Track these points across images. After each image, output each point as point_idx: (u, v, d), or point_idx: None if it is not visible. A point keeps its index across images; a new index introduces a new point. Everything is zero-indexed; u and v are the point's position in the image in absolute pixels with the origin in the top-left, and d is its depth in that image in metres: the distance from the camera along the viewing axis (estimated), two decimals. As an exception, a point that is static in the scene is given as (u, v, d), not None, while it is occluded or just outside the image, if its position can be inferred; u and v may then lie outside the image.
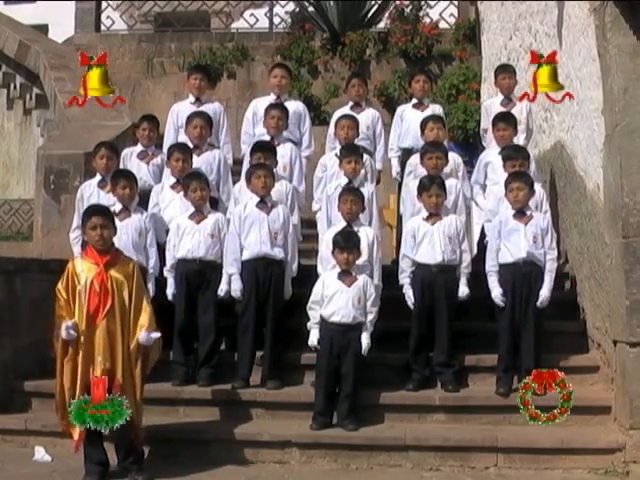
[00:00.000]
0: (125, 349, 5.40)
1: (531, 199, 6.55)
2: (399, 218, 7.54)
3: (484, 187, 7.30)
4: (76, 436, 5.38)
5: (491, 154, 7.34)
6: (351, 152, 7.01)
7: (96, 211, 5.67)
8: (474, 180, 7.35)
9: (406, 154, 7.73)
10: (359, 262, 6.26)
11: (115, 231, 5.70)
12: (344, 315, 6.08)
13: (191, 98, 7.99)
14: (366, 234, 6.44)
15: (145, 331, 5.41)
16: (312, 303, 6.21)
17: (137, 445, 5.51)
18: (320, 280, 6.27)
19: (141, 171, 7.40)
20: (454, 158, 7.24)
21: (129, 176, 6.91)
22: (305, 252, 7.16)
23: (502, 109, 7.62)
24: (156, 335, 5.45)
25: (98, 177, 7.25)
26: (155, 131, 7.71)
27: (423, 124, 7.36)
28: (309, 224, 7.44)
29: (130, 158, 7.58)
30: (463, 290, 6.52)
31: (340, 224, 6.57)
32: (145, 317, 5.46)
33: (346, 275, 6.16)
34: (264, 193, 6.66)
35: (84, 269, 5.45)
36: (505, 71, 7.81)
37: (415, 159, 7.31)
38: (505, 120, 7.32)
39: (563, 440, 5.74)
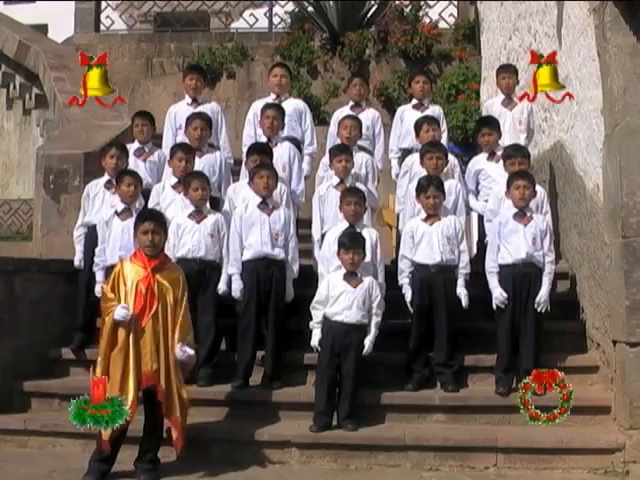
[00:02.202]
0: (169, 352, 5.43)
1: (532, 199, 6.57)
2: (396, 217, 7.55)
3: (476, 192, 7.30)
4: (106, 437, 5.35)
5: (480, 161, 7.35)
6: (341, 151, 7.02)
7: (150, 216, 5.69)
8: None
9: (406, 155, 7.72)
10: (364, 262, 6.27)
11: (166, 237, 5.73)
12: (347, 315, 6.08)
13: (188, 99, 7.97)
14: (369, 235, 6.44)
15: (180, 344, 5.47)
16: (316, 303, 6.22)
17: (155, 447, 5.56)
18: (325, 280, 6.28)
19: (138, 169, 7.37)
20: (449, 158, 7.23)
21: (134, 174, 6.92)
22: (305, 252, 7.15)
23: (503, 109, 7.64)
24: (190, 351, 5.50)
25: (106, 177, 7.22)
26: (149, 126, 7.67)
27: (417, 126, 7.35)
28: (309, 224, 7.43)
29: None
30: (460, 292, 6.51)
31: (342, 224, 6.56)
32: (184, 329, 5.52)
33: (352, 276, 6.16)
34: (266, 193, 6.66)
35: (132, 272, 5.47)
36: (505, 71, 7.81)
37: (410, 159, 7.32)
38: (489, 124, 7.34)
39: (563, 440, 5.75)
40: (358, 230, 6.42)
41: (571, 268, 7.24)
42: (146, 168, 7.51)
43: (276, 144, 7.40)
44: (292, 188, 7.26)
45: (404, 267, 6.63)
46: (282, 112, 7.50)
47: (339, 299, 6.12)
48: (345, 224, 6.53)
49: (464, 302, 6.49)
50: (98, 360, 5.39)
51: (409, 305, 6.53)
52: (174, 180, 7.11)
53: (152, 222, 5.55)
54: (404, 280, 6.61)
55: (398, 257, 6.83)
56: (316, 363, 6.24)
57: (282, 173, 7.22)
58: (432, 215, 6.59)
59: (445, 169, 7.04)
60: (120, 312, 5.33)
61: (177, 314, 5.49)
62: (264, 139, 7.44)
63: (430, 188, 6.56)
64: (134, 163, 7.48)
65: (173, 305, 5.47)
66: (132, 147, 7.62)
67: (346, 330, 6.09)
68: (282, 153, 7.36)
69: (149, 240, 5.50)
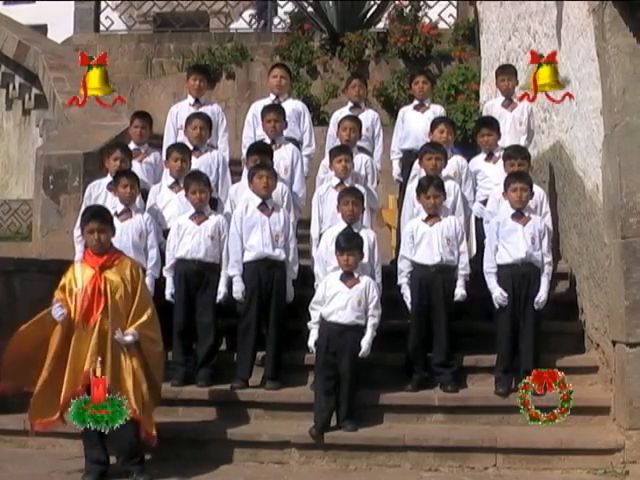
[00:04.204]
0: (117, 351, 5.41)
1: (530, 200, 6.57)
2: (400, 221, 7.55)
3: (474, 192, 7.30)
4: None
5: (478, 162, 7.35)
6: (341, 151, 7.02)
7: (94, 214, 5.69)
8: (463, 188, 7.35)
9: (407, 156, 7.72)
10: (362, 263, 6.27)
11: (113, 232, 5.72)
12: (341, 316, 6.08)
13: (190, 99, 7.97)
14: (367, 236, 6.43)
15: (119, 332, 5.41)
16: (314, 303, 6.22)
17: (140, 447, 5.53)
18: (323, 281, 6.29)
19: (134, 170, 7.38)
20: (458, 160, 7.24)
21: (131, 175, 6.91)
22: (305, 253, 7.16)
23: (503, 110, 7.63)
24: (128, 338, 5.42)
25: (109, 178, 7.19)
26: (147, 128, 7.66)
27: (434, 124, 7.31)
28: (308, 224, 7.44)
29: None
30: (459, 292, 6.52)
31: (339, 225, 6.56)
32: (135, 316, 5.48)
33: (348, 277, 6.16)
34: (265, 193, 6.66)
35: (82, 273, 5.50)
36: (505, 72, 7.80)
37: (418, 164, 7.30)
38: (488, 125, 7.34)
39: (562, 440, 5.75)
40: (356, 230, 6.42)
41: (570, 268, 7.24)
42: (142, 169, 7.48)
43: (280, 146, 7.39)
44: (294, 191, 7.26)
45: (403, 267, 6.63)
46: (283, 113, 7.49)
47: (334, 299, 6.12)
48: (343, 224, 6.53)
49: (458, 298, 6.48)
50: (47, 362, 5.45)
51: (408, 305, 6.53)
52: (171, 180, 7.12)
53: (96, 221, 5.57)
54: (403, 280, 6.61)
55: (398, 257, 6.83)
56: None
57: (284, 175, 7.22)
58: (432, 215, 6.59)
59: (452, 171, 7.05)
60: (56, 312, 5.39)
61: (131, 307, 5.48)
62: (267, 140, 7.41)
63: (430, 188, 6.56)
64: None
65: (124, 299, 5.45)
66: None
67: (341, 330, 6.08)
68: (284, 155, 7.35)
69: (95, 239, 5.53)
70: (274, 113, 7.42)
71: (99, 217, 5.63)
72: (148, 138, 7.74)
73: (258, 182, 6.65)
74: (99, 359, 5.34)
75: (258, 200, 6.68)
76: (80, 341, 5.39)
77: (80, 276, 5.49)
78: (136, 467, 5.47)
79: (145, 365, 5.53)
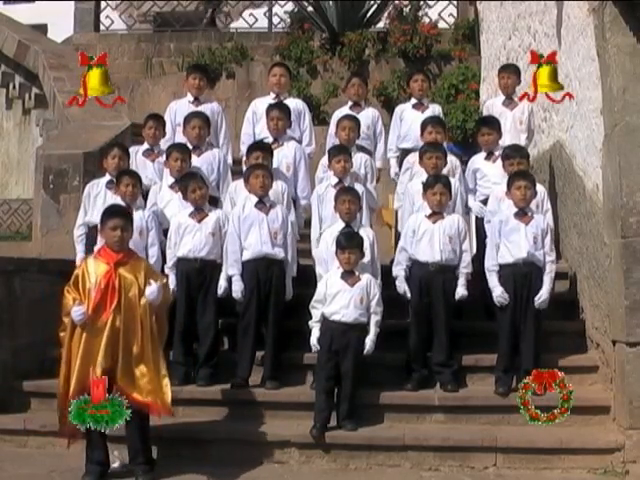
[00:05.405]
0: (129, 348, 5.39)
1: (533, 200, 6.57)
2: (395, 214, 7.56)
3: (474, 191, 7.30)
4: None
5: (477, 161, 7.35)
6: (339, 151, 7.02)
7: (117, 212, 5.71)
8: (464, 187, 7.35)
9: (405, 155, 7.72)
10: (363, 262, 6.27)
11: (132, 233, 5.73)
12: (345, 315, 6.08)
13: (189, 97, 7.98)
14: (366, 234, 6.44)
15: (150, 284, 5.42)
16: (315, 302, 6.22)
17: (145, 448, 5.54)
18: (324, 279, 6.28)
19: (147, 169, 7.41)
20: (451, 160, 7.24)
21: (133, 175, 6.93)
22: (305, 252, 7.16)
23: (504, 109, 7.63)
24: (155, 286, 5.44)
25: (107, 177, 7.21)
26: (161, 129, 7.69)
27: (423, 126, 7.34)
28: (308, 224, 7.44)
29: (136, 156, 7.57)
30: (460, 291, 6.52)
31: (337, 224, 6.56)
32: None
33: (349, 275, 6.16)
34: (262, 193, 6.66)
35: (95, 268, 5.49)
36: (505, 70, 7.79)
37: (412, 157, 7.32)
38: (488, 124, 7.33)
39: (562, 440, 5.75)
40: (355, 229, 6.41)
41: (570, 268, 7.24)
42: (154, 169, 7.51)
43: (282, 144, 7.39)
44: (299, 191, 7.27)
45: (401, 259, 6.61)
46: (287, 111, 7.48)
47: (336, 298, 6.12)
48: (341, 224, 6.53)
49: (458, 297, 6.48)
50: (62, 360, 5.45)
51: (401, 292, 6.51)
52: (171, 180, 7.12)
53: (121, 218, 5.58)
54: (400, 272, 6.58)
55: (397, 249, 6.81)
56: (315, 363, 6.24)
57: (286, 173, 7.22)
58: (436, 212, 6.58)
59: (446, 170, 7.05)
60: (77, 313, 5.36)
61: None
62: (269, 139, 7.39)
63: (437, 185, 6.55)
64: (143, 163, 7.49)
65: (137, 298, 5.44)
66: (141, 148, 7.64)
67: (344, 329, 6.08)
68: (287, 153, 7.35)
69: (118, 236, 5.52)
70: (278, 111, 7.42)
71: (123, 215, 5.65)
72: (161, 139, 7.75)
73: (255, 182, 6.65)
74: (99, 359, 5.34)
75: (255, 198, 6.67)
76: (91, 337, 5.38)
77: (94, 271, 5.47)
78: (141, 467, 5.48)
79: (154, 338, 5.48)
